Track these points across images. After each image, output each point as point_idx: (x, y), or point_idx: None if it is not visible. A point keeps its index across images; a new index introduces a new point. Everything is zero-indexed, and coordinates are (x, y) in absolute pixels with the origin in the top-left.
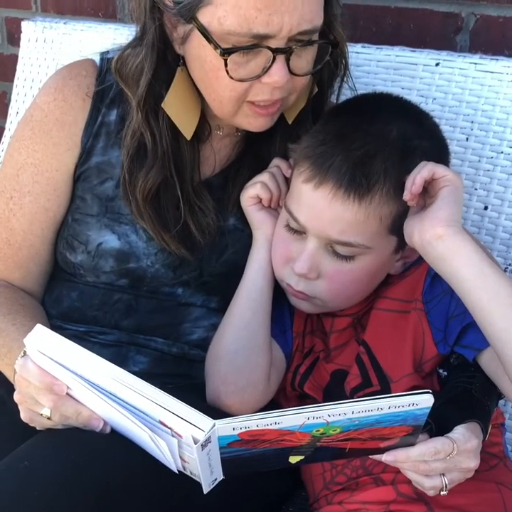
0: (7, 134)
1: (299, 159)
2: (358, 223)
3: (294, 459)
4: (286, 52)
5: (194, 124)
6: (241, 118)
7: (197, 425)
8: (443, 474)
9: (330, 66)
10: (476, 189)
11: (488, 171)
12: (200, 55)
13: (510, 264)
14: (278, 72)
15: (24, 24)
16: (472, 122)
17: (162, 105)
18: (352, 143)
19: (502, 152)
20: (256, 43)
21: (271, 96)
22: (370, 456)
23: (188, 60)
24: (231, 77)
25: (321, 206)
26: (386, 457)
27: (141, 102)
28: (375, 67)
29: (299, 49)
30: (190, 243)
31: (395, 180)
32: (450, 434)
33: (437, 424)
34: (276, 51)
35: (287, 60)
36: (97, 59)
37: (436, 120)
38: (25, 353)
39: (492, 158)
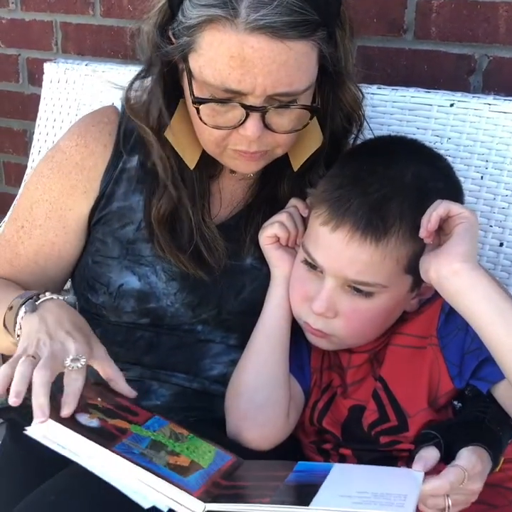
0: (29, 171)
1: (317, 202)
2: (374, 264)
3: None
4: (260, 111)
5: (197, 155)
6: (226, 159)
7: (190, 508)
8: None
9: (342, 123)
10: (491, 226)
11: (503, 208)
12: (187, 95)
13: None
14: (251, 128)
15: (46, 65)
16: (487, 161)
17: (164, 134)
18: (368, 186)
19: None
20: (230, 97)
21: (248, 148)
22: None
23: (184, 94)
24: (204, 123)
25: (338, 248)
26: None
27: (155, 132)
28: (391, 108)
29: (276, 109)
30: (206, 267)
31: (411, 223)
32: (458, 462)
33: (445, 440)
34: (248, 108)
35: (262, 118)
36: (119, 105)
37: (451, 159)
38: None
39: (507, 196)
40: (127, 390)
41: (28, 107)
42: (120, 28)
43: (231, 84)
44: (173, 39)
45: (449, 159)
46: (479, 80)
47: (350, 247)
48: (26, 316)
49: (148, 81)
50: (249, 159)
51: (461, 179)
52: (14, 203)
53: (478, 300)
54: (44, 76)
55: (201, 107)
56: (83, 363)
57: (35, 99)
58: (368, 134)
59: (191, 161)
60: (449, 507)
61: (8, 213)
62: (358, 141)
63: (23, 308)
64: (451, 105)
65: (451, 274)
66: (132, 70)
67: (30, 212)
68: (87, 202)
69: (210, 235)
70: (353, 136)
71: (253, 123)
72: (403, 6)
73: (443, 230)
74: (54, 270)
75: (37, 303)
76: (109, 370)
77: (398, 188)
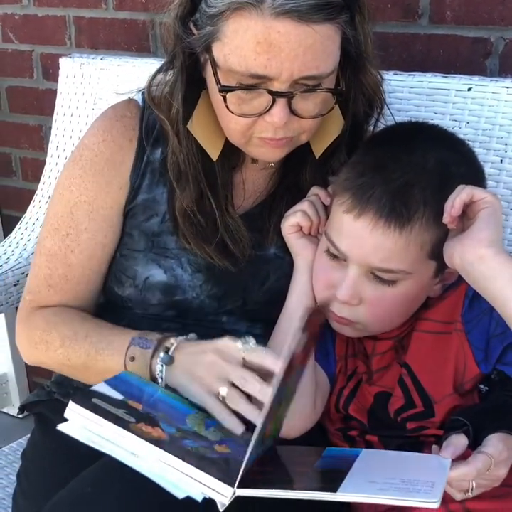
0: (48, 167)
1: (339, 190)
2: (398, 251)
3: None
4: (287, 96)
5: (219, 146)
6: (251, 148)
7: (220, 492)
8: None
9: (363, 106)
10: (511, 209)
11: None
12: (212, 84)
13: None
14: (277, 114)
15: (62, 60)
16: (506, 144)
17: (188, 126)
18: (391, 173)
19: None
20: (257, 83)
21: (274, 135)
22: None
23: (208, 86)
24: (231, 112)
25: (362, 235)
26: None
27: (175, 124)
28: (408, 94)
29: (303, 93)
30: (231, 257)
31: (435, 208)
32: (485, 449)
33: (473, 427)
34: (275, 94)
35: (289, 103)
36: (139, 99)
37: (470, 143)
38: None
39: None
40: None
41: (43, 103)
42: (133, 21)
43: (257, 70)
44: (194, 30)
45: (468, 144)
46: (496, 63)
47: (374, 235)
48: (168, 370)
49: (169, 74)
50: (275, 146)
51: (482, 165)
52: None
53: (504, 284)
54: (60, 71)
55: (228, 95)
56: (253, 342)
57: (50, 95)
58: (388, 119)
59: (214, 152)
60: (472, 489)
61: (33, 232)
62: (379, 126)
63: (158, 363)
64: (469, 89)
65: (476, 260)
66: (148, 63)
67: (72, 218)
68: (123, 197)
69: (233, 226)
70: (374, 120)
71: (279, 109)
72: None
73: (467, 215)
74: (106, 271)
75: (170, 353)
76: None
77: (421, 174)
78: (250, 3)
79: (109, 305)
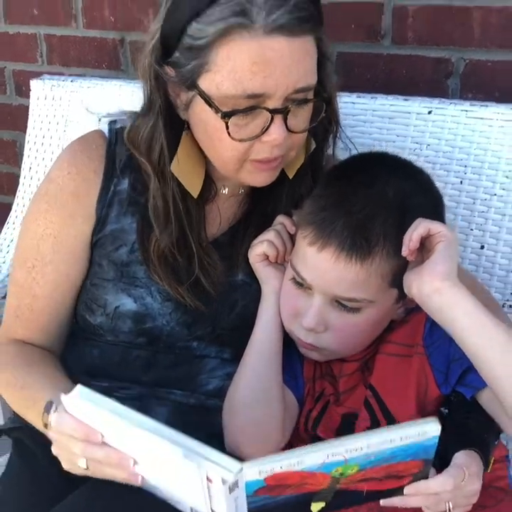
0: (21, 188)
1: (303, 223)
2: (361, 282)
3: (315, 507)
4: (283, 111)
5: (200, 184)
6: (244, 174)
7: (226, 467)
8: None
9: (323, 123)
10: (472, 230)
11: (483, 212)
12: (202, 119)
13: (507, 300)
14: (276, 131)
15: (33, 82)
16: (465, 166)
17: (171, 168)
18: (352, 206)
19: (495, 194)
20: (254, 105)
21: (270, 154)
22: (386, 502)
23: (192, 125)
24: (233, 139)
25: (325, 267)
26: (407, 490)
27: (157, 167)
28: (371, 116)
29: (295, 108)
30: (203, 295)
31: (395, 240)
32: (456, 461)
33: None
34: (273, 111)
35: (285, 119)
36: (105, 129)
37: (431, 165)
38: (56, 408)
39: (486, 200)
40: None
41: (16, 118)
42: (103, 39)
43: (253, 89)
44: (172, 72)
45: (429, 165)
46: (457, 82)
47: (336, 267)
48: None
49: (147, 118)
50: (268, 169)
51: (441, 184)
52: (9, 244)
53: (459, 315)
54: (31, 93)
55: (229, 122)
56: None
57: (23, 110)
58: (355, 142)
59: (195, 190)
60: (450, 510)
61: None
62: (340, 153)
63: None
64: (429, 112)
65: (433, 292)
66: (116, 85)
67: (38, 250)
68: (88, 228)
69: (208, 261)
70: (332, 139)
71: (277, 127)
72: (380, 11)
73: (425, 247)
74: (71, 301)
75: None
76: None
77: (380, 207)
78: (242, 25)
79: (82, 333)
